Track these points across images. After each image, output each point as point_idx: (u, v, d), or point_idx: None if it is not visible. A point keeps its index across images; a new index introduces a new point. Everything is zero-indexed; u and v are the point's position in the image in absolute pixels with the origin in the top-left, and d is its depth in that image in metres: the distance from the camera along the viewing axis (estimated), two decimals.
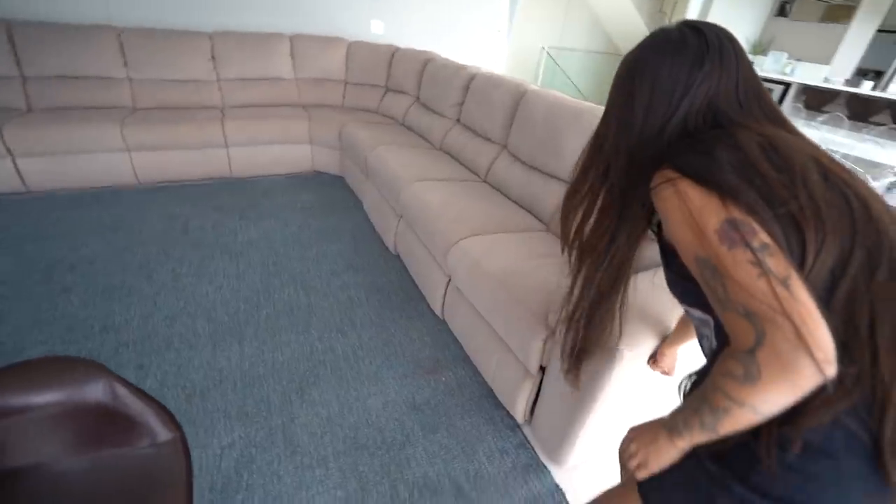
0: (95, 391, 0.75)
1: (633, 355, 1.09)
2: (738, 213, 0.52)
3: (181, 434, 0.83)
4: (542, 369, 1.36)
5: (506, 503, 1.27)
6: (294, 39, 3.49)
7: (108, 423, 0.76)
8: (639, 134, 0.67)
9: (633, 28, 6.72)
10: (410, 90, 3.39)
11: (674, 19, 6.65)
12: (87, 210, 2.58)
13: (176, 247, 2.32)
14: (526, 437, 1.48)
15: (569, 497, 1.32)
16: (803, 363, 0.46)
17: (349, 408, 1.51)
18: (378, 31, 3.98)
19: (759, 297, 0.48)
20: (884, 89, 5.39)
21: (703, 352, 0.75)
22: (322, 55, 3.57)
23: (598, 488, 1.34)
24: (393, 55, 3.59)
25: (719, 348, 0.63)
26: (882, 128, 4.06)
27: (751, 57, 6.09)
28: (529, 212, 2.09)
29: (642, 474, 0.67)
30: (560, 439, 1.33)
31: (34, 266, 2.05)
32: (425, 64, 3.21)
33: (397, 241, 2.36)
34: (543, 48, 6.46)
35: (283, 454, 1.34)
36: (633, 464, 0.67)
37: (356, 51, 3.62)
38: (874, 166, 3.32)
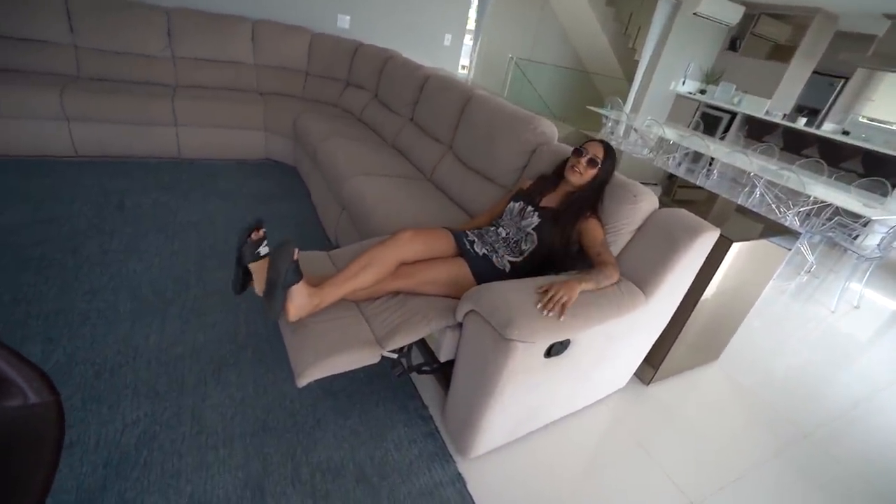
0: None
1: (525, 347, 1.16)
2: None
3: (57, 398, 0.83)
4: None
5: (405, 489, 1.32)
6: (257, 25, 3.45)
7: None
8: None
9: (598, 47, 7.00)
10: (370, 86, 3.41)
11: (637, 42, 6.99)
12: (14, 178, 2.46)
13: (108, 222, 2.25)
14: (436, 428, 1.53)
15: (470, 486, 1.37)
16: None
17: (264, 391, 1.52)
18: (344, 25, 3.98)
19: None
20: (818, 126, 5.84)
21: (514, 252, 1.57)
22: (284, 44, 3.54)
23: (500, 479, 1.41)
24: (356, 50, 3.61)
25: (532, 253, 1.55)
26: (810, 160, 4.41)
27: (703, 86, 6.44)
28: (464, 210, 2.16)
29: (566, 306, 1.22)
30: (464, 429, 1.39)
31: None
32: (386, 61, 3.25)
33: (338, 233, 2.38)
34: (512, 58, 6.62)
35: (189, 433, 1.34)
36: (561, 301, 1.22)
37: (320, 43, 3.61)
38: (795, 194, 3.60)
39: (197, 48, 3.29)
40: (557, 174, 1.66)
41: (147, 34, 3.11)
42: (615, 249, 1.52)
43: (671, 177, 2.99)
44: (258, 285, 1.27)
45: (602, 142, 1.60)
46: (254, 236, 1.25)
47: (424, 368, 1.45)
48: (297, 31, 3.59)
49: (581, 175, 1.56)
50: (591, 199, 1.56)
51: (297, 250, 1.24)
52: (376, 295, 1.42)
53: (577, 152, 1.59)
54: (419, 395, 1.63)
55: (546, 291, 1.23)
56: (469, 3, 4.53)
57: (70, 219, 2.21)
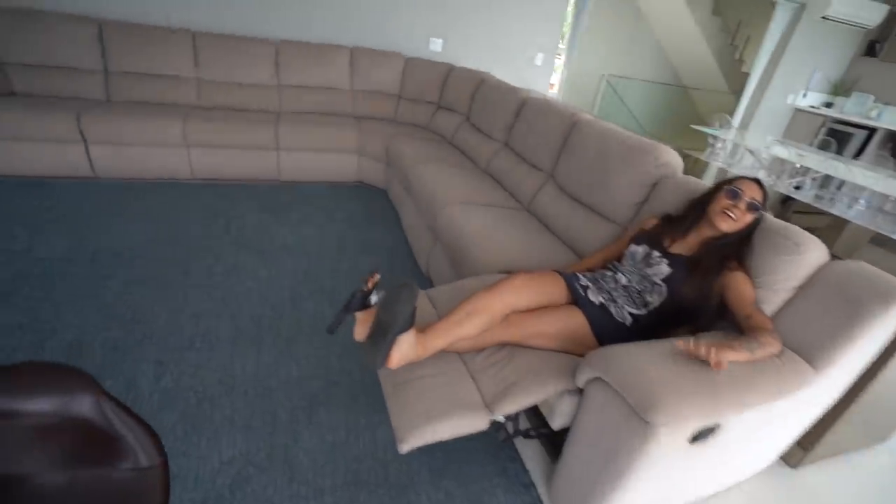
0: (83, 405, 0.71)
1: (669, 432, 0.95)
2: None
3: (164, 460, 0.78)
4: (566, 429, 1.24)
5: None
6: (354, 52, 3.56)
7: (91, 440, 0.72)
8: None
9: (700, 60, 6.46)
10: (461, 109, 3.35)
11: (745, 54, 6.34)
12: (143, 200, 2.70)
13: (216, 244, 2.37)
14: (539, 498, 1.34)
15: None
16: None
17: (356, 436, 1.44)
18: (436, 48, 4.00)
19: None
20: None
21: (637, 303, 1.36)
22: (379, 69, 3.62)
23: None
24: (448, 73, 3.59)
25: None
26: None
27: (830, 98, 5.65)
28: (570, 248, 1.97)
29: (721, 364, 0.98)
30: None
31: (84, 249, 2.15)
32: (479, 84, 3.17)
33: (430, 262, 2.30)
34: (603, 76, 6.30)
35: (281, 479, 1.28)
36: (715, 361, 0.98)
37: (413, 67, 3.65)
38: None
39: (300, 76, 3.46)
40: (692, 215, 1.42)
41: (258, 66, 3.32)
42: (768, 309, 1.24)
43: (784, 201, 2.56)
44: (360, 332, 1.19)
45: (756, 180, 1.34)
46: (370, 284, 1.17)
47: (532, 434, 1.28)
48: (391, 56, 3.66)
49: (735, 222, 1.30)
50: (737, 248, 1.31)
51: (419, 294, 1.14)
52: (480, 346, 1.28)
53: (732, 194, 1.32)
54: (520, 458, 1.46)
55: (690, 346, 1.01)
56: (562, 23, 4.37)
57: (183, 239, 2.36)
